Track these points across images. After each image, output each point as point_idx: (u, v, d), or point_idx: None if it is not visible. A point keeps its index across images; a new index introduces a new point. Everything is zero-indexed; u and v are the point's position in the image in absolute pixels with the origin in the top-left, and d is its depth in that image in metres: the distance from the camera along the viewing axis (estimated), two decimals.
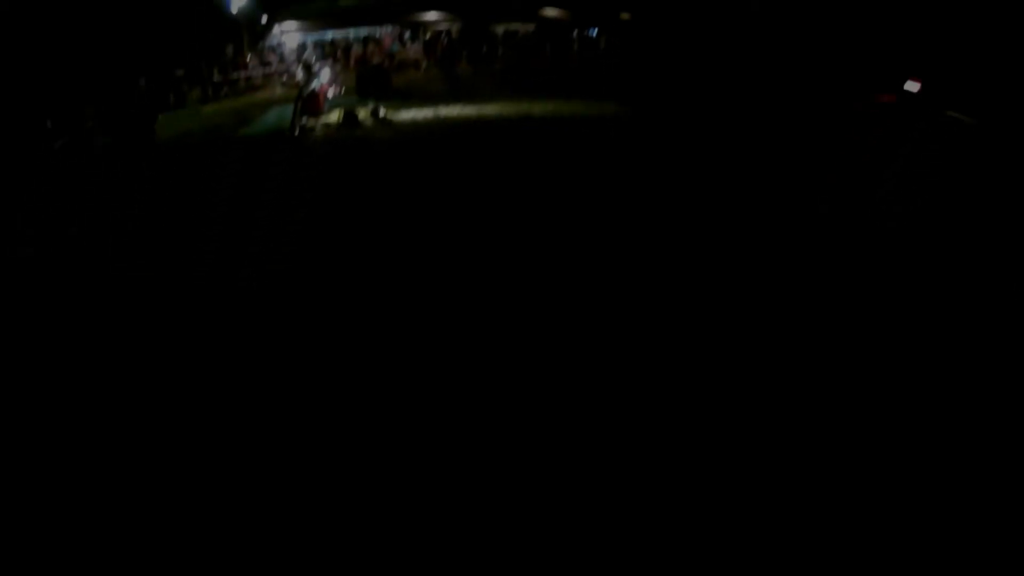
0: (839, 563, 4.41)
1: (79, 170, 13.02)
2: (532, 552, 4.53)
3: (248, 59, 20.27)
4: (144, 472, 5.35)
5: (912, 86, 14.41)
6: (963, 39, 14.14)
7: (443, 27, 22.59)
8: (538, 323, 7.21)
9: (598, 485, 5.03)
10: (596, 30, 22.72)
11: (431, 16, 22.20)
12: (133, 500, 5.07)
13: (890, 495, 4.86)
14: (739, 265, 8.31)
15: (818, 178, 10.72)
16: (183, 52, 18.45)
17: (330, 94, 17.03)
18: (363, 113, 16.09)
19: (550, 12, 22.18)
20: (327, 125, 15.93)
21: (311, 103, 16.13)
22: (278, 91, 19.79)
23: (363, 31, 22.45)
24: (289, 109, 16.01)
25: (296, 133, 15.26)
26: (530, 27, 22.74)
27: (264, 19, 20.88)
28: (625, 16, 22.06)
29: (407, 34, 23.09)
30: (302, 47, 21.59)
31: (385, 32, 22.87)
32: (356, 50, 22.03)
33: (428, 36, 22.71)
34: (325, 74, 17.19)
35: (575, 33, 22.48)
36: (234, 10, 19.73)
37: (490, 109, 16.50)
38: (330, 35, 22.13)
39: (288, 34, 21.65)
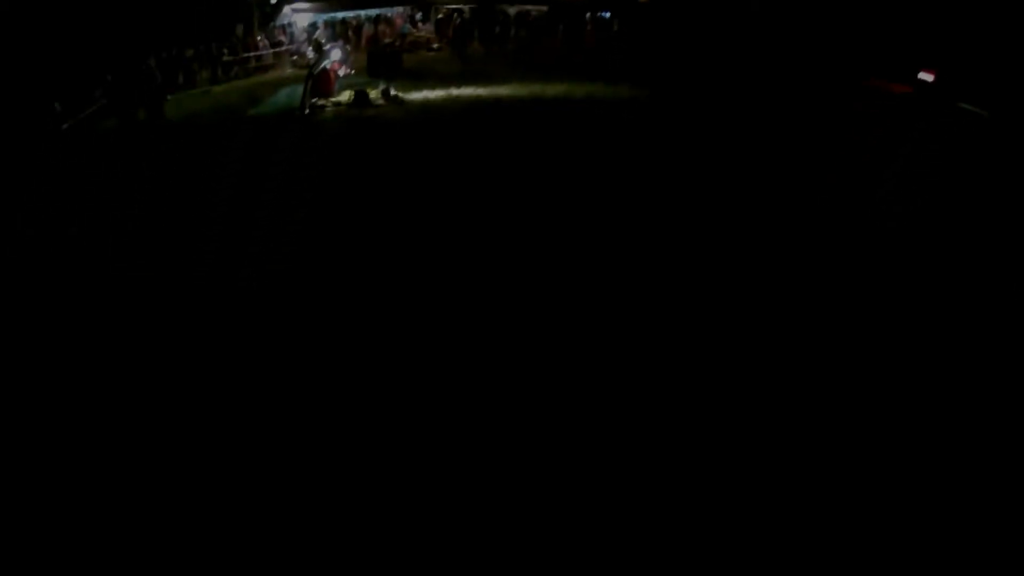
0: (839, 563, 4.34)
1: (85, 154, 12.90)
2: (531, 552, 4.46)
3: (258, 39, 20.10)
4: (144, 472, 5.27)
5: (926, 76, 14.12)
6: (979, 28, 13.81)
7: (455, 7, 22.39)
8: (542, 314, 7.10)
9: (597, 485, 4.95)
10: (609, 13, 22.49)
11: None
12: (133, 500, 5.00)
13: (890, 495, 4.77)
14: (743, 261, 8.14)
15: (826, 172, 10.48)
16: (193, 32, 18.31)
17: (341, 74, 16.84)
18: (374, 93, 15.91)
19: None
20: (338, 105, 15.76)
21: (322, 83, 15.92)
22: (288, 71, 19.61)
23: (374, 11, 22.30)
24: (299, 89, 15.79)
25: (306, 112, 15.13)
26: (543, 8, 22.53)
27: None
28: None
29: (419, 14, 22.93)
30: (313, 27, 21.42)
31: (397, 12, 22.73)
32: (367, 30, 21.84)
33: (440, 16, 22.52)
34: (336, 54, 16.96)
35: (588, 15, 22.24)
36: None
37: (502, 90, 16.26)
38: (341, 15, 21.98)
39: (299, 14, 21.51)
